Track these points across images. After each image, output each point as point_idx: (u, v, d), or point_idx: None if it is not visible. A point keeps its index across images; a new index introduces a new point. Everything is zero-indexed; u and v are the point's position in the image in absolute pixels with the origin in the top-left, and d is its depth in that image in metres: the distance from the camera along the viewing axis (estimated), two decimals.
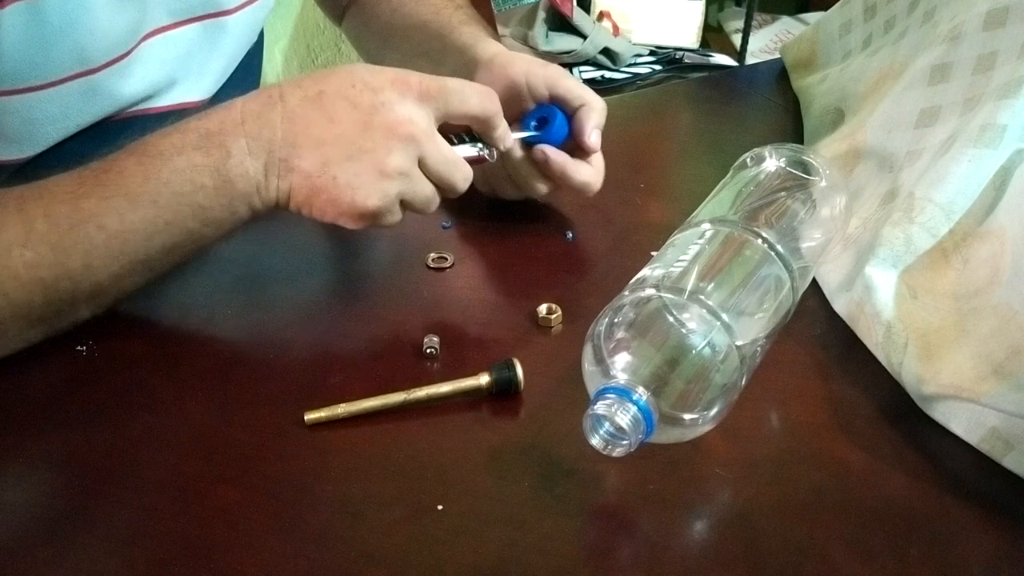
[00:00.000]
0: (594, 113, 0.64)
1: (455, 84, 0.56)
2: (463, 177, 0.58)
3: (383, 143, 0.53)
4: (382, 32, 0.81)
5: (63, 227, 0.50)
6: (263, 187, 0.53)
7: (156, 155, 0.52)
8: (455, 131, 0.60)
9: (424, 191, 0.56)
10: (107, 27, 0.59)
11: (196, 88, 0.70)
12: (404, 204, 0.56)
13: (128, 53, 0.62)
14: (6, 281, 0.50)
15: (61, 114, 0.60)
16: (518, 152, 0.64)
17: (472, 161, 0.60)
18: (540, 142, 0.64)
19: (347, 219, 0.55)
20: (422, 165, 0.55)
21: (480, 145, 0.61)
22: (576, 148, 0.65)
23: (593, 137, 0.64)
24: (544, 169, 0.65)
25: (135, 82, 0.64)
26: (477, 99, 0.57)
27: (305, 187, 0.53)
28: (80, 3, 0.57)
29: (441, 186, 0.57)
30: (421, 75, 0.55)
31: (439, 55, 0.72)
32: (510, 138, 0.61)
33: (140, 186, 0.51)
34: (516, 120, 0.65)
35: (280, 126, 0.53)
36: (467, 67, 0.67)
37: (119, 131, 0.66)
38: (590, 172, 0.65)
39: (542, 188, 0.66)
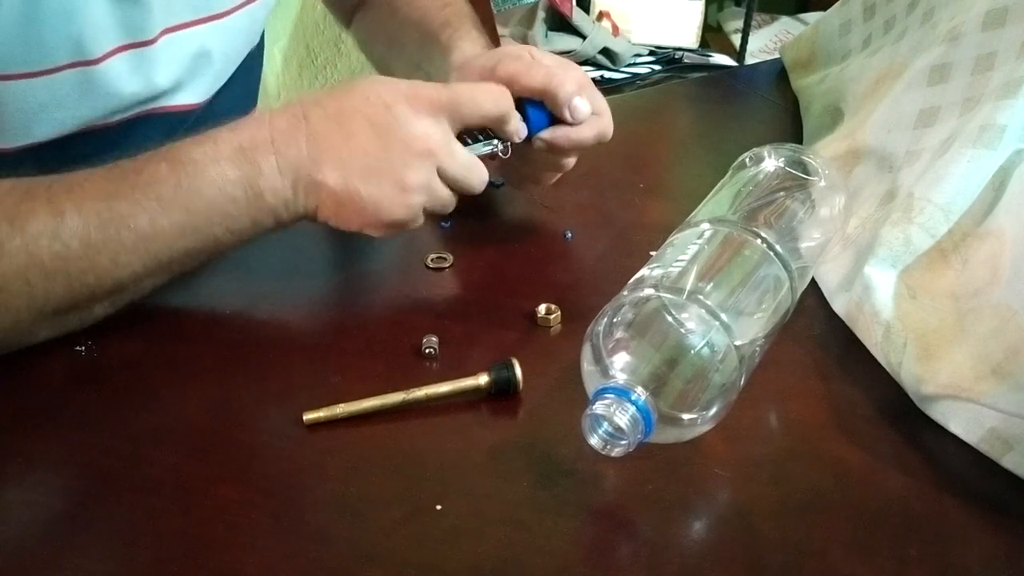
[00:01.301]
0: (560, 89, 0.61)
1: (466, 92, 0.58)
2: (480, 180, 0.60)
3: (400, 159, 0.56)
4: (384, 37, 0.82)
5: (93, 224, 0.51)
6: (291, 202, 0.56)
7: (189, 163, 0.53)
8: (469, 131, 0.61)
9: (443, 197, 0.59)
10: (108, 19, 0.60)
11: (198, 89, 0.70)
12: (425, 210, 0.58)
13: (131, 48, 0.62)
14: (31, 269, 0.50)
15: (56, 103, 0.61)
16: (523, 145, 0.64)
17: (487, 158, 0.61)
18: (529, 136, 0.63)
19: (373, 229, 0.58)
20: (441, 174, 0.58)
21: (495, 142, 0.61)
22: None
23: (575, 110, 0.62)
24: (554, 150, 0.64)
25: (137, 80, 0.64)
26: (490, 102, 0.59)
27: (331, 201, 0.56)
28: None
29: (458, 190, 0.59)
30: (433, 87, 0.57)
31: (428, 65, 0.73)
32: (523, 129, 0.62)
33: (172, 192, 0.53)
34: None
35: (305, 145, 0.55)
36: (447, 78, 0.68)
37: (122, 132, 0.66)
38: (596, 123, 0.64)
39: (568, 162, 0.67)
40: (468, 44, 0.70)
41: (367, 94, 0.56)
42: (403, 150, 0.55)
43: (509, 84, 0.62)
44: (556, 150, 0.64)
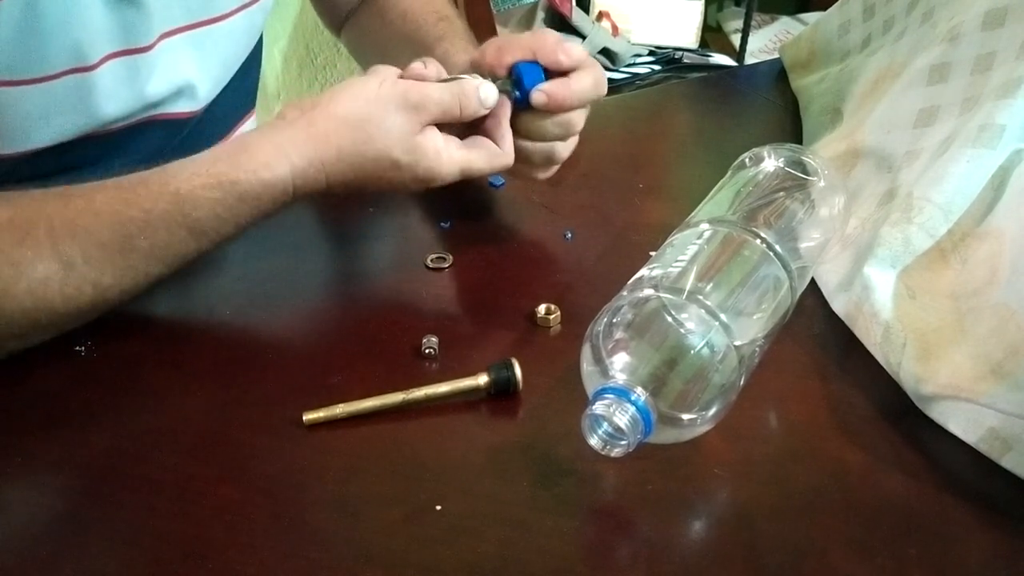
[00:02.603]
0: (546, 40, 0.62)
1: (481, 166, 0.60)
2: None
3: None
4: (376, 47, 0.82)
5: (107, 273, 0.53)
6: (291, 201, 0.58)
7: (206, 220, 0.54)
8: None
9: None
10: (105, 25, 0.59)
11: (197, 94, 0.70)
12: None
13: (129, 54, 0.62)
14: (41, 312, 0.51)
15: (55, 110, 0.61)
16: (525, 117, 0.64)
17: None
18: (522, 96, 0.62)
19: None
20: None
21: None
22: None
23: (567, 50, 0.62)
24: (553, 105, 0.63)
25: (136, 86, 0.64)
26: (498, 170, 0.62)
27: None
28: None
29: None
30: (450, 164, 0.59)
31: None
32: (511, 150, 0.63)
33: (188, 242, 0.55)
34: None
35: (321, 192, 0.58)
36: None
37: (121, 138, 0.66)
38: (591, 72, 0.64)
39: (575, 124, 0.66)
40: (463, 58, 0.69)
41: (387, 163, 0.57)
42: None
43: (498, 56, 0.63)
44: (556, 104, 0.62)
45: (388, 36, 0.79)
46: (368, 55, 0.84)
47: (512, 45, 0.63)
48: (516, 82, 0.63)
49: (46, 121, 0.61)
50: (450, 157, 0.59)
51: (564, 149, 0.67)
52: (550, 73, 0.62)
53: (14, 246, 0.50)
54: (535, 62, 0.62)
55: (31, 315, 0.51)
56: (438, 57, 0.70)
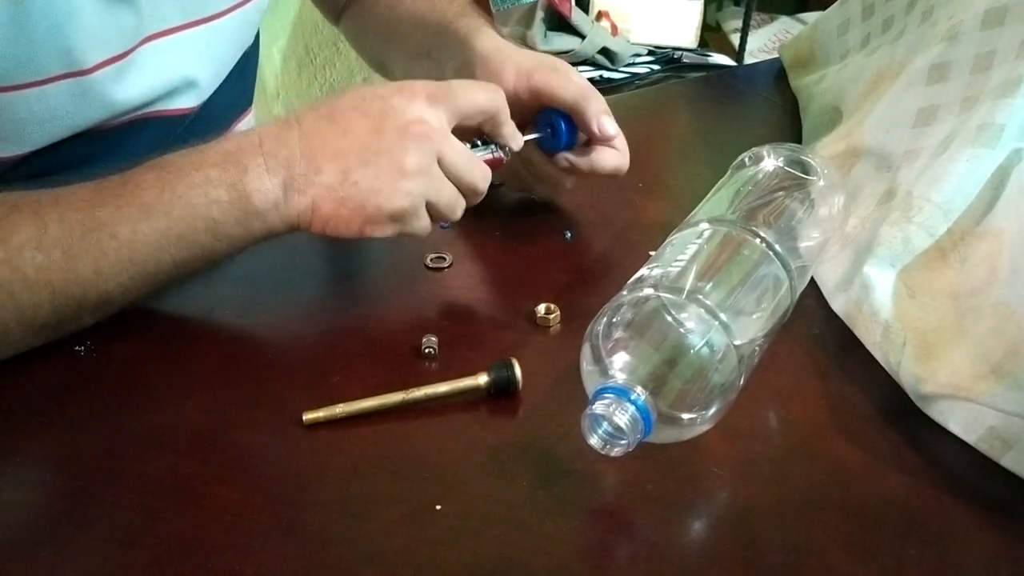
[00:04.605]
0: (590, 104, 0.64)
1: (460, 84, 0.58)
2: (482, 175, 0.59)
3: (398, 143, 0.54)
4: (382, 31, 0.81)
5: (76, 233, 0.51)
6: (282, 203, 0.54)
7: (174, 170, 0.53)
8: (467, 138, 0.60)
9: (447, 191, 0.57)
10: (98, 29, 0.59)
11: (193, 92, 0.70)
12: (430, 208, 0.57)
13: (123, 56, 0.62)
14: (15, 282, 0.50)
15: (49, 114, 0.60)
16: (537, 155, 0.66)
17: (488, 163, 0.60)
18: (552, 146, 0.65)
19: (374, 225, 0.55)
20: (440, 164, 0.56)
21: (493, 147, 0.61)
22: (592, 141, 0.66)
23: (602, 125, 0.64)
24: (573, 171, 0.66)
25: (130, 87, 0.64)
26: (484, 94, 0.59)
27: (329, 199, 0.54)
28: (68, 2, 0.57)
29: (461, 186, 0.58)
30: (426, 81, 0.57)
31: (439, 53, 0.72)
32: (520, 138, 0.62)
33: (155, 198, 0.52)
34: (527, 123, 0.66)
35: (298, 144, 0.54)
36: (467, 64, 0.67)
37: (117, 136, 0.66)
38: (616, 156, 0.66)
39: (568, 183, 0.69)
40: (491, 34, 0.69)
41: (362, 94, 0.56)
42: (399, 133, 0.54)
43: (541, 92, 0.64)
44: (576, 171, 0.66)
45: (398, 17, 0.78)
46: (374, 38, 0.83)
47: (561, 89, 0.64)
48: (551, 128, 0.64)
49: (40, 125, 0.61)
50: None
51: (541, 191, 0.70)
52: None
53: (0, 218, 0.50)
54: (570, 120, 0.64)
55: (8, 287, 0.50)
56: (462, 32, 0.70)
